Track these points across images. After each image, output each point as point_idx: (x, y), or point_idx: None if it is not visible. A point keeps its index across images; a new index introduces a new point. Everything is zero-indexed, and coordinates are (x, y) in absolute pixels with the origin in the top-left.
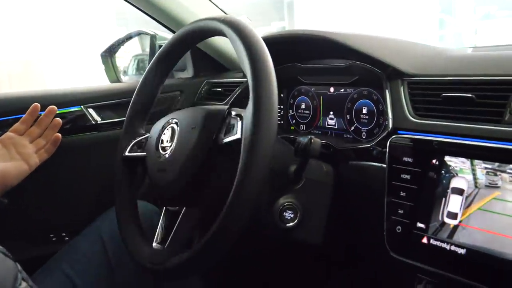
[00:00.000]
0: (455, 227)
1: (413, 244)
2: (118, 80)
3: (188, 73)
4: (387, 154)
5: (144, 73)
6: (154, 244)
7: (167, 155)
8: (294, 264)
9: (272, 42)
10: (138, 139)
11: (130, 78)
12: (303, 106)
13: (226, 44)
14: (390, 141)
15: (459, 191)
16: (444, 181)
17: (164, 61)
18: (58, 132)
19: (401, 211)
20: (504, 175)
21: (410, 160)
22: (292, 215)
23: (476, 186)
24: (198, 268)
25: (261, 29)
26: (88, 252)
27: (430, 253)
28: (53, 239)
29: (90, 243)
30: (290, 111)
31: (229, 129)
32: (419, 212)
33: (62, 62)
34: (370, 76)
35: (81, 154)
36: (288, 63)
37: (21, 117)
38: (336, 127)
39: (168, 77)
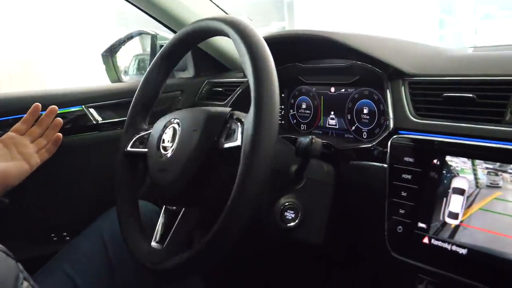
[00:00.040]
0: (456, 227)
1: (414, 244)
2: (119, 80)
3: (189, 73)
4: (388, 154)
5: (147, 70)
6: (153, 243)
7: (168, 155)
8: (295, 264)
9: (273, 42)
10: (140, 134)
11: (131, 78)
12: (304, 106)
13: (227, 44)
14: (391, 141)
15: (460, 191)
16: (445, 181)
17: (166, 59)
18: (59, 132)
19: (402, 211)
20: (505, 175)
21: (411, 160)
22: (293, 215)
23: (477, 186)
24: (199, 268)
25: (261, 29)
26: (89, 251)
27: (431, 253)
28: (54, 238)
29: (91, 242)
30: (291, 111)
31: (230, 134)
32: (420, 212)
33: (63, 62)
34: (371, 76)
35: (82, 154)
36: (289, 63)
37: (22, 117)
38: (337, 127)
39: (169, 77)
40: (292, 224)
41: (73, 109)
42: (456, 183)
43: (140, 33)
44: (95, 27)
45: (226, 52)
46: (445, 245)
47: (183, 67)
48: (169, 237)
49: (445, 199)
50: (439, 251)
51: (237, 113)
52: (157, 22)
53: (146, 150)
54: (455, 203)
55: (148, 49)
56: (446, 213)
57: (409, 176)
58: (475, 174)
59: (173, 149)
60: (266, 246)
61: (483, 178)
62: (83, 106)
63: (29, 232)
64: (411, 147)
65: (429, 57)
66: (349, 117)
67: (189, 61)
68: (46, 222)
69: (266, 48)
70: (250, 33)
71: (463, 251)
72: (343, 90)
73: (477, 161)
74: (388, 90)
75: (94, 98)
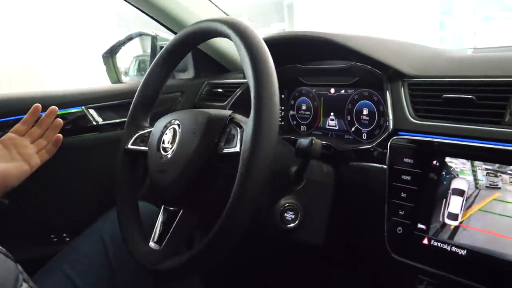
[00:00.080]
0: (456, 228)
1: (414, 245)
2: (119, 81)
3: (189, 74)
4: (387, 155)
5: (149, 68)
6: (151, 243)
7: (167, 156)
8: (295, 265)
9: (273, 43)
10: (142, 132)
11: (131, 79)
12: (303, 107)
13: (227, 45)
14: (390, 142)
15: (460, 192)
16: (444, 182)
17: (167, 59)
18: (59, 132)
19: (401, 212)
20: (505, 176)
21: (410, 161)
22: (293, 216)
23: (476, 187)
24: (199, 269)
25: (261, 31)
26: (89, 253)
27: (431, 254)
28: (54, 239)
29: (91, 244)
30: (291, 112)
31: (229, 139)
32: (419, 213)
33: (62, 63)
34: (370, 77)
35: (82, 155)
36: (289, 64)
37: (22, 118)
38: (337, 128)
39: (169, 78)
40: (292, 225)
41: (73, 110)
42: (455, 184)
43: (140, 34)
44: (95, 28)
45: (226, 53)
46: (445, 246)
47: (183, 68)
48: (167, 238)
49: (444, 200)
50: (438, 252)
51: (237, 117)
52: (157, 24)
53: (146, 148)
54: (455, 204)
55: (148, 50)
56: (446, 214)
57: (408, 177)
58: (474, 175)
59: (173, 150)
60: (266, 247)
61: (483, 179)
62: (83, 107)
63: (29, 233)
64: (410, 148)
65: (429, 59)
66: (348, 118)
67: (189, 62)
68: (46, 223)
69: (266, 49)
70: (250, 35)
71: (462, 252)
72: (343, 91)
73: (476, 162)
74: (387, 91)
75: (94, 99)
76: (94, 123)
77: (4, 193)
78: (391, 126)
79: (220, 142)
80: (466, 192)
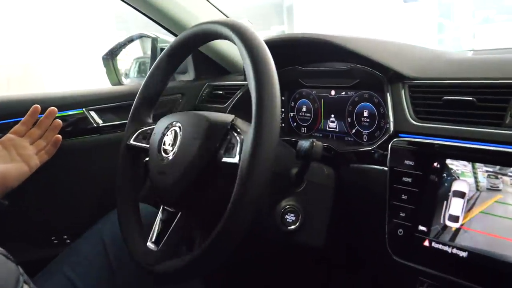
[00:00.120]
0: (457, 230)
1: (415, 247)
2: (119, 83)
3: (190, 76)
4: (388, 157)
5: (152, 66)
6: (148, 243)
7: (168, 158)
8: (296, 267)
9: (274, 45)
10: (144, 128)
11: (132, 80)
12: (304, 109)
13: (227, 47)
14: (391, 144)
15: (461, 194)
16: (445, 184)
17: (170, 58)
18: (60, 134)
19: (402, 214)
20: (506, 178)
21: (411, 163)
22: (293, 218)
23: (477, 189)
24: (200, 271)
25: (261, 33)
26: (90, 254)
27: (432, 256)
28: (55, 241)
29: (92, 245)
30: (291, 114)
31: (229, 148)
32: (420, 215)
33: (62, 65)
34: (371, 79)
35: (83, 157)
36: (289, 66)
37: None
38: (337, 130)
39: (170, 80)
40: (292, 227)
41: (74, 112)
42: (456, 186)
43: (140, 36)
44: (95, 31)
45: (227, 55)
46: (446, 248)
47: (183, 70)
48: (164, 239)
49: (445, 202)
50: (439, 254)
51: (239, 124)
52: (156, 27)
53: (148, 145)
54: (456, 206)
55: (149, 52)
56: (447, 216)
57: (409, 179)
58: (475, 177)
59: (174, 153)
60: (266, 248)
61: (484, 181)
62: (83, 109)
63: (29, 234)
64: (411, 150)
65: (429, 60)
66: (349, 120)
67: (190, 64)
68: (46, 224)
69: (267, 51)
70: (251, 37)
71: (463, 254)
72: (343, 93)
73: (477, 164)
74: (388, 93)
75: (95, 101)
76: (95, 125)
77: (4, 194)
78: (391, 128)
79: (220, 150)
80: (467, 194)
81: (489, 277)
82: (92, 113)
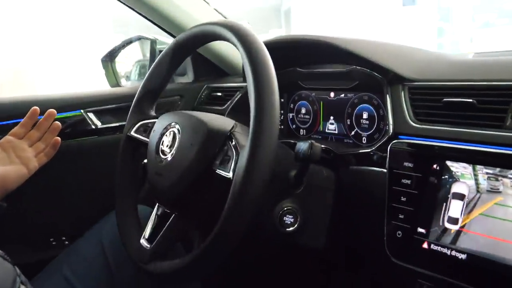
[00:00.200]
0: (456, 232)
1: (414, 249)
2: (118, 84)
3: (188, 77)
4: (387, 159)
5: (156, 59)
6: (142, 240)
7: (165, 161)
8: (295, 269)
9: (273, 47)
10: (146, 121)
11: (133, 83)
12: (303, 111)
13: (226, 49)
14: (390, 146)
15: (460, 196)
16: (445, 186)
17: (176, 52)
18: (58, 136)
19: (401, 216)
20: (506, 180)
21: (410, 165)
22: (292, 220)
23: (478, 191)
24: (199, 273)
25: (260, 37)
26: (88, 256)
27: (431, 258)
28: (53, 243)
29: (90, 247)
30: (290, 115)
31: (224, 161)
32: (419, 217)
33: (55, 69)
34: (370, 81)
35: (81, 158)
36: (288, 68)
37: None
38: (337, 132)
39: (168, 82)
40: (291, 228)
41: (72, 113)
42: (456, 188)
43: (139, 38)
44: (92, 34)
45: (225, 57)
46: (445, 251)
47: (182, 72)
48: (157, 238)
49: (445, 204)
50: (438, 256)
51: (237, 135)
52: (155, 29)
53: (147, 140)
54: (455, 208)
55: (148, 55)
56: (446, 218)
57: (408, 181)
58: (476, 179)
59: (171, 154)
60: (265, 250)
61: (483, 183)
62: (82, 111)
63: (28, 236)
64: (410, 152)
65: (429, 62)
66: (348, 122)
67: (189, 66)
68: (45, 226)
69: (266, 53)
70: (250, 38)
71: (462, 256)
72: (342, 95)
73: (477, 166)
74: (387, 95)
75: (93, 103)
76: (93, 126)
77: (3, 196)
78: (391, 130)
79: (215, 160)
80: (466, 196)
81: (489, 280)
82: (91, 115)
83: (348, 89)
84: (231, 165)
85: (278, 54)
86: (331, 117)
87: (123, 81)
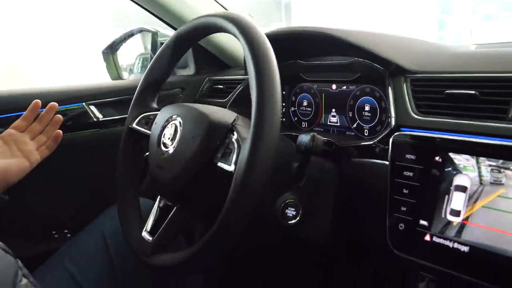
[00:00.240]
0: (458, 224)
1: (416, 241)
2: (119, 77)
3: (190, 70)
4: (389, 151)
5: (158, 51)
6: (143, 233)
7: (167, 153)
8: (296, 261)
9: (275, 39)
10: (147, 114)
11: (136, 76)
12: (305, 103)
13: (228, 41)
14: (392, 138)
15: (462, 189)
16: (447, 178)
17: (178, 44)
18: (59, 129)
19: (403, 209)
20: (509, 172)
21: (413, 157)
22: (294, 212)
23: (481, 183)
24: (199, 267)
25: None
26: (90, 248)
27: (433, 251)
28: (55, 236)
29: (92, 240)
30: (292, 108)
31: (226, 154)
32: (422, 210)
33: (53, 63)
34: (372, 73)
35: (83, 151)
36: (290, 60)
37: (23, 114)
38: (338, 124)
39: (170, 75)
40: (293, 221)
41: (74, 106)
42: (458, 180)
43: (141, 31)
44: (91, 27)
45: (227, 49)
46: (447, 243)
47: (183, 65)
48: (159, 231)
49: (447, 196)
50: (441, 248)
51: (239, 128)
52: (156, 22)
53: (149, 132)
54: (457, 200)
55: (150, 47)
56: (448, 210)
57: (410, 174)
58: (479, 171)
59: (173, 147)
60: (267, 243)
61: (486, 175)
62: (84, 103)
63: (30, 229)
64: (412, 144)
65: (431, 54)
66: (350, 115)
67: (190, 58)
68: (46, 219)
69: (268, 45)
70: (252, 30)
71: (465, 248)
72: (344, 87)
73: (480, 158)
74: (389, 87)
75: (95, 95)
76: (95, 119)
77: (5, 189)
78: (393, 122)
79: (217, 153)
80: (469, 188)
81: (491, 272)
82: (92, 108)
83: (350, 81)
84: (232, 158)
85: (279, 46)
86: (333, 110)
87: (125, 74)
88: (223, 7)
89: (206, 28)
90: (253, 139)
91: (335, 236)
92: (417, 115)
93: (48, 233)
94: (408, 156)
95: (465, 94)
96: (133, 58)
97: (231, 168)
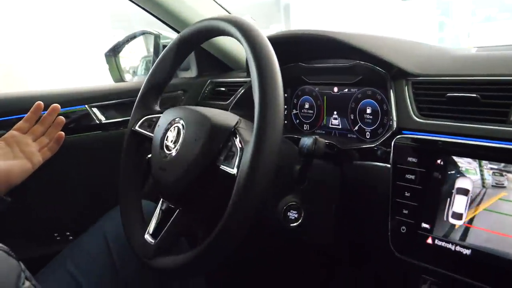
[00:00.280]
0: (460, 227)
1: (418, 244)
2: (122, 79)
3: (192, 72)
4: (391, 154)
5: (158, 59)
6: (146, 236)
7: (169, 156)
8: (299, 264)
9: (276, 42)
10: (150, 116)
11: (139, 78)
12: (306, 106)
13: (230, 43)
14: (394, 141)
15: (464, 192)
16: (449, 181)
17: (181, 47)
18: (62, 131)
19: (405, 211)
20: (510, 175)
21: (414, 160)
22: (296, 215)
23: (483, 186)
24: (201, 269)
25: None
26: (92, 251)
27: (435, 254)
28: (57, 238)
29: (95, 242)
30: (294, 110)
31: (229, 157)
32: (424, 213)
33: (50, 65)
34: (374, 76)
35: (85, 153)
36: (292, 62)
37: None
38: (340, 127)
39: (172, 77)
40: (295, 224)
41: (76, 108)
42: (460, 183)
43: (143, 33)
44: (89, 29)
45: (229, 52)
46: (449, 246)
47: (186, 67)
48: (161, 234)
49: (449, 199)
50: (442, 251)
51: (241, 131)
52: (155, 24)
53: (152, 135)
54: (459, 203)
55: (152, 50)
56: (450, 213)
57: (412, 176)
58: (481, 174)
59: (176, 150)
60: (269, 245)
61: (488, 179)
62: (86, 106)
63: (32, 231)
64: (414, 147)
65: (433, 57)
66: (352, 117)
67: (192, 61)
68: (49, 221)
69: (270, 48)
70: (254, 33)
71: (467, 251)
72: (346, 90)
73: (482, 161)
74: (391, 90)
75: (97, 98)
76: (97, 121)
77: (7, 191)
78: (395, 125)
79: (220, 156)
80: (470, 192)
81: (493, 275)
82: (95, 110)
83: (351, 84)
84: (235, 161)
85: (281, 49)
86: (335, 112)
87: (129, 76)
88: (226, 10)
89: (209, 32)
90: (255, 142)
91: (337, 238)
92: (419, 118)
93: (50, 236)
94: (410, 159)
95: (466, 97)
96: (136, 61)
97: (233, 171)
